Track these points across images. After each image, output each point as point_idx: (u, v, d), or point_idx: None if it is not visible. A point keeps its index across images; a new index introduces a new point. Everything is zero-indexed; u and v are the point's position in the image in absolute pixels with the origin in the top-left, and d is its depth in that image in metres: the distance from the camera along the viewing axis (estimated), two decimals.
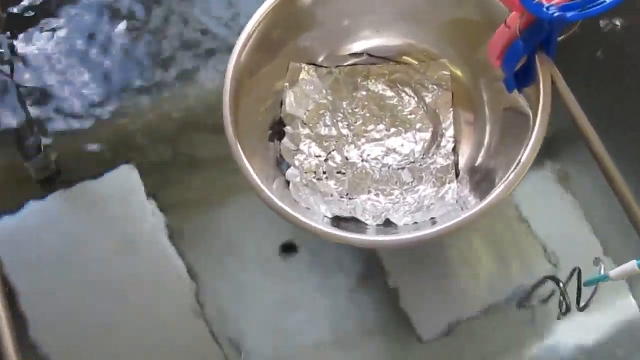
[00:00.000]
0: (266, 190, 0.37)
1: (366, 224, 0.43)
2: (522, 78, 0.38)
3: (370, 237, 0.37)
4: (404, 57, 0.47)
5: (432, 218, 0.42)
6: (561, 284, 0.44)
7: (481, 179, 0.42)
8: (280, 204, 0.37)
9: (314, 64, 0.47)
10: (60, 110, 0.49)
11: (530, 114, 0.38)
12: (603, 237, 0.46)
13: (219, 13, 0.53)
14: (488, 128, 0.44)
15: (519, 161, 0.36)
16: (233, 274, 0.45)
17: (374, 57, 0.47)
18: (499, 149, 0.42)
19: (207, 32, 0.52)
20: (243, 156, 0.38)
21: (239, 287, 0.45)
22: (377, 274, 0.45)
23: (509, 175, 0.35)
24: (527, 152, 0.36)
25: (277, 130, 0.46)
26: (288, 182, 0.44)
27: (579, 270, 0.43)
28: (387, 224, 0.43)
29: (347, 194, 0.44)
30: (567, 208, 0.47)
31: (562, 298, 0.44)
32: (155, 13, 0.53)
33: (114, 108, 0.49)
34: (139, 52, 0.51)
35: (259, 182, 0.37)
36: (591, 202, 0.47)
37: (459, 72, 0.46)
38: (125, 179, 0.46)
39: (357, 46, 0.47)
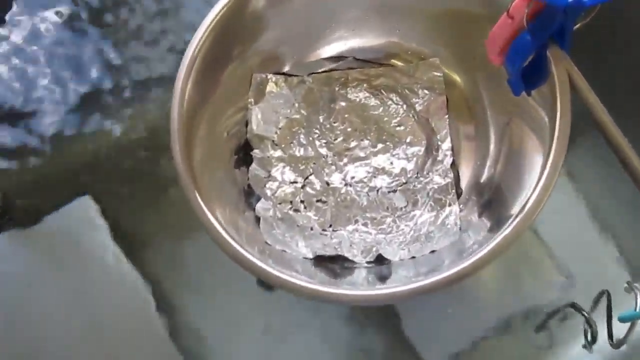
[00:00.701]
0: (231, 242, 0.30)
1: (355, 262, 0.36)
2: (531, 77, 0.32)
3: (361, 291, 0.31)
4: (387, 59, 0.41)
5: (432, 251, 0.35)
6: (585, 313, 0.39)
7: (490, 199, 0.36)
8: (248, 256, 0.30)
9: (282, 74, 0.40)
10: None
11: (545, 119, 0.31)
12: (626, 251, 0.42)
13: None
14: (493, 138, 0.38)
15: (539, 181, 0.29)
16: (213, 306, 0.41)
17: (352, 61, 0.41)
18: (509, 160, 0.36)
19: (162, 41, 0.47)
20: (203, 205, 0.31)
21: (222, 319, 0.40)
22: None
23: (527, 202, 0.29)
24: (549, 170, 0.29)
25: (244, 155, 0.39)
26: (259, 219, 0.37)
27: (609, 296, 0.38)
28: (380, 260, 0.36)
29: (330, 226, 0.38)
30: (580, 215, 0.42)
31: (586, 326, 0.39)
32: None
33: (64, 135, 0.45)
34: (92, 71, 0.46)
35: (224, 234, 0.31)
36: (608, 208, 0.42)
37: (454, 75, 0.40)
38: (82, 213, 0.42)
39: (332, 49, 0.41)
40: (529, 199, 0.29)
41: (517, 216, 0.29)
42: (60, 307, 0.40)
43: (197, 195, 0.31)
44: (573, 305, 0.40)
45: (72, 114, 0.45)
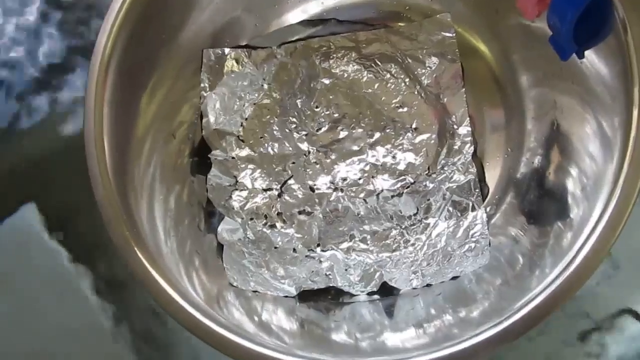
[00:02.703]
0: (180, 303, 0.22)
1: (353, 295, 0.28)
2: (586, 31, 0.23)
3: None
4: (381, 20, 0.32)
5: (455, 277, 0.27)
6: None
7: (538, 203, 0.27)
8: (202, 320, 0.22)
9: (244, 47, 0.32)
10: None
11: (611, 91, 0.23)
12: None
13: None
14: (531, 119, 0.29)
15: (617, 182, 0.21)
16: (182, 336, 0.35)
17: (335, 24, 0.33)
18: (559, 148, 0.28)
19: None
20: (136, 250, 0.23)
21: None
22: None
23: (605, 212, 0.21)
24: (628, 168, 0.21)
25: (200, 160, 0.31)
26: (222, 247, 0.28)
27: None
28: (385, 289, 0.28)
29: (318, 245, 0.30)
30: None
31: None
32: None
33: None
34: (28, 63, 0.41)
35: (170, 293, 0.23)
36: None
37: (474, 39, 0.31)
38: (28, 222, 0.38)
39: (306, 10, 0.33)
40: (606, 206, 0.21)
41: (593, 231, 0.21)
42: (5, 325, 0.36)
43: (127, 237, 0.23)
44: (631, 312, 0.34)
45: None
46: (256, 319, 0.27)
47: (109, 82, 0.25)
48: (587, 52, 0.25)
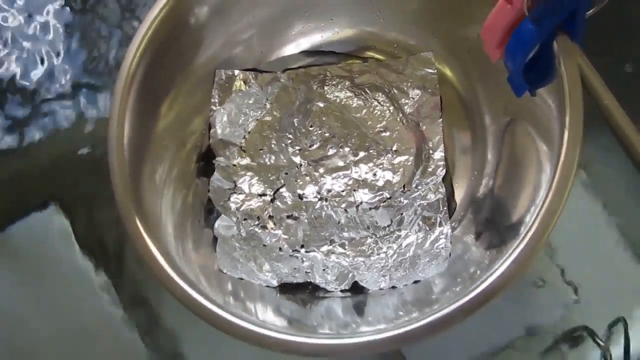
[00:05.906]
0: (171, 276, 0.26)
1: (327, 291, 0.31)
2: (536, 75, 0.27)
3: (320, 339, 0.26)
4: (366, 52, 0.36)
5: (417, 281, 0.30)
6: (599, 341, 0.35)
7: (490, 217, 0.30)
8: (190, 293, 0.25)
9: (252, 70, 0.36)
10: None
11: (553, 122, 0.26)
12: None
13: None
14: (491, 144, 0.32)
15: (547, 196, 0.24)
16: (200, 333, 0.36)
17: (332, 55, 0.37)
18: (511, 170, 0.31)
19: None
20: (144, 234, 0.27)
21: (211, 347, 0.35)
22: None
23: (534, 221, 0.24)
24: (557, 184, 0.24)
25: (205, 165, 0.34)
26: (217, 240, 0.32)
27: (625, 323, 0.34)
28: (356, 288, 0.31)
29: (302, 246, 0.33)
30: (596, 225, 0.37)
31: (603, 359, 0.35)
32: None
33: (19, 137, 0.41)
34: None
35: (165, 267, 0.26)
36: (629, 221, 0.37)
37: (446, 70, 0.35)
38: (48, 224, 0.38)
39: (307, 41, 0.37)
40: (535, 218, 0.24)
41: (525, 235, 0.24)
42: (23, 317, 0.37)
43: (137, 222, 0.27)
44: (586, 329, 0.36)
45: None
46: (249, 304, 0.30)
47: (132, 94, 0.29)
48: (539, 91, 0.29)
